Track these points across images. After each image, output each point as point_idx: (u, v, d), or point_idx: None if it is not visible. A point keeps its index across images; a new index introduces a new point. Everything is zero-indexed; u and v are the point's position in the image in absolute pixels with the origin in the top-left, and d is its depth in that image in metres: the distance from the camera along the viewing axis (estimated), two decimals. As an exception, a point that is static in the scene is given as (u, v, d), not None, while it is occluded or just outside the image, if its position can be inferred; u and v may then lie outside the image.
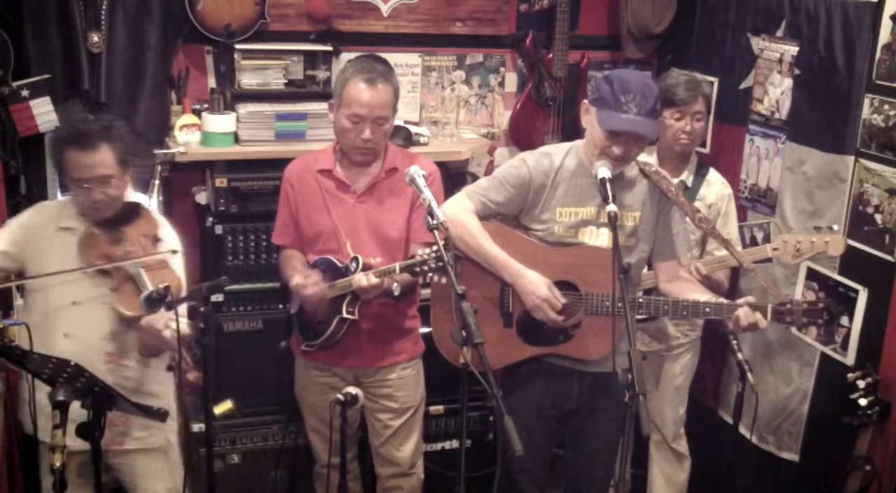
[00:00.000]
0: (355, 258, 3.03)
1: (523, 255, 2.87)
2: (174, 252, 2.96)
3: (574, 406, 3.01)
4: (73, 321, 2.85)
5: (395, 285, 2.92)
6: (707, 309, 2.81)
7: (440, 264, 2.77)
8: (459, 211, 2.89)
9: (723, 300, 2.83)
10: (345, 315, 3.06)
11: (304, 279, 3.06)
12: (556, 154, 2.92)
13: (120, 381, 2.90)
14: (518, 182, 2.89)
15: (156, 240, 2.95)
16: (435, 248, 2.76)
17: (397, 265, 2.90)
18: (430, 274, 2.81)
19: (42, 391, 2.74)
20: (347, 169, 3.16)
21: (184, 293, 2.81)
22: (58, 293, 2.85)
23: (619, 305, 2.59)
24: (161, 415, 2.87)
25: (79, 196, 2.82)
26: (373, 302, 3.07)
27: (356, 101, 3.00)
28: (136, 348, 2.92)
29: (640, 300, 2.86)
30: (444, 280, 2.88)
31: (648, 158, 3.53)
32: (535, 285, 2.83)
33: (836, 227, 3.26)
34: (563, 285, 2.87)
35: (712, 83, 3.92)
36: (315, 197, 3.16)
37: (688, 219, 3.01)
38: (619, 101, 2.70)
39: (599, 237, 2.87)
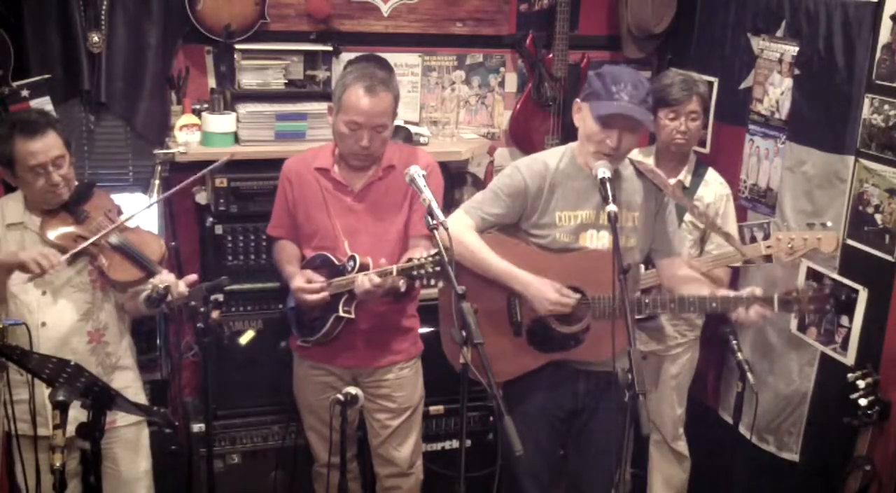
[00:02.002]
0: (352, 257, 3.03)
1: (526, 264, 2.85)
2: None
3: (579, 406, 3.00)
4: (47, 310, 2.89)
5: (402, 281, 2.91)
6: (713, 304, 2.80)
7: (437, 268, 2.78)
8: (459, 230, 2.84)
9: (729, 293, 2.82)
10: (341, 314, 3.06)
11: (306, 283, 3.06)
12: (550, 158, 2.90)
13: (103, 359, 2.98)
14: (514, 191, 2.88)
15: (119, 212, 3.02)
16: (434, 252, 2.76)
17: (394, 268, 2.90)
18: (429, 279, 2.82)
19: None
20: (345, 170, 3.16)
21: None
22: (27, 287, 2.87)
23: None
24: (162, 415, 2.89)
25: (36, 184, 2.83)
26: (370, 301, 3.07)
27: (355, 108, 2.98)
28: (116, 318, 3.01)
29: (646, 301, 2.85)
30: (441, 284, 2.88)
31: (646, 159, 3.53)
32: (544, 291, 2.81)
33: (829, 223, 3.26)
34: None
35: (710, 83, 3.92)
36: (314, 194, 3.16)
37: (687, 214, 3.00)
38: (611, 91, 2.70)
39: (600, 240, 2.87)
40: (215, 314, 2.85)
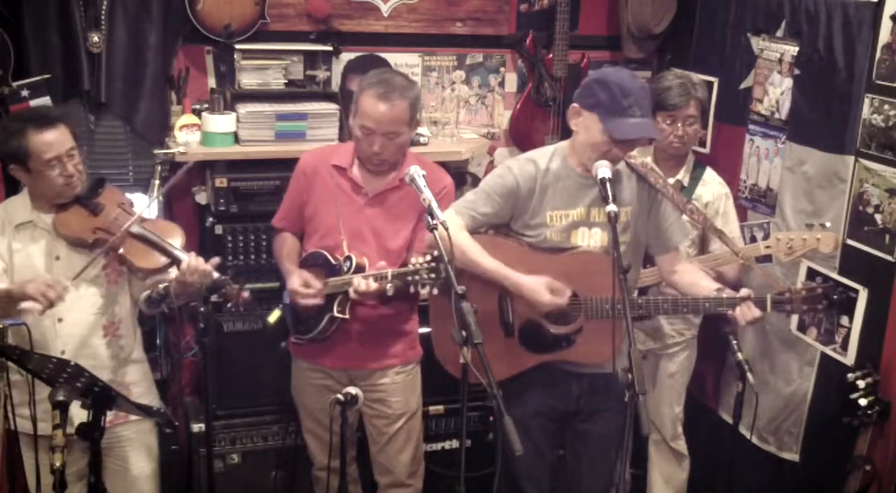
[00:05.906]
0: (349, 257, 3.03)
1: (519, 264, 2.85)
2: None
3: (574, 408, 3.00)
4: (64, 306, 2.86)
5: (389, 286, 2.92)
6: (707, 304, 2.81)
7: (433, 275, 2.78)
8: (451, 229, 2.77)
9: (721, 293, 2.82)
10: (335, 314, 3.06)
11: (302, 287, 3.07)
12: (541, 158, 2.89)
13: (117, 352, 2.99)
14: (505, 191, 2.87)
15: (131, 204, 3.04)
16: (429, 258, 2.76)
17: (389, 272, 2.90)
18: (423, 285, 2.82)
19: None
20: (363, 172, 3.15)
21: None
22: None
23: (619, 306, 2.58)
24: (162, 415, 2.90)
25: (52, 177, 2.82)
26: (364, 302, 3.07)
27: (367, 114, 2.98)
28: (130, 312, 3.02)
29: (639, 301, 2.86)
30: (435, 291, 2.88)
31: (644, 158, 3.52)
32: (538, 291, 2.80)
33: (828, 223, 3.26)
34: None
35: (710, 84, 3.91)
36: (327, 191, 3.15)
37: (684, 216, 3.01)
38: (622, 105, 2.67)
39: (592, 237, 2.86)
40: (245, 294, 2.88)
